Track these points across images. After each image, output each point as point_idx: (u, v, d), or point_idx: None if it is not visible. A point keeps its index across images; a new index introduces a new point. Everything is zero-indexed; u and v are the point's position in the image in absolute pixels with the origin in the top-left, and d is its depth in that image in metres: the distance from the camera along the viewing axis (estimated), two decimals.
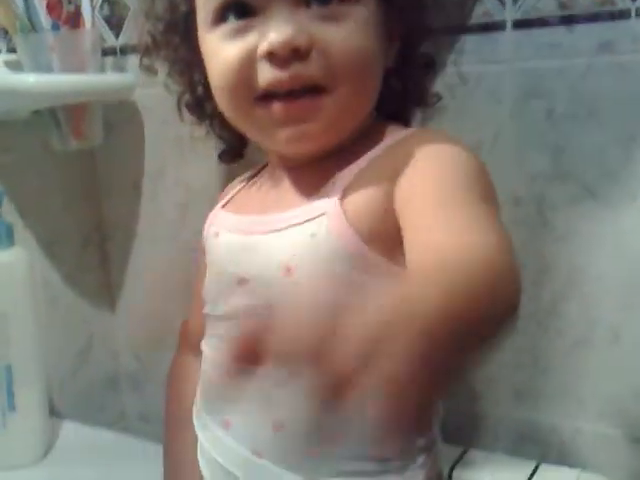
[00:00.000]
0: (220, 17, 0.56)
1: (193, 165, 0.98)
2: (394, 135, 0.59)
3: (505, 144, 0.87)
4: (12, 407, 0.78)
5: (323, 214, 0.55)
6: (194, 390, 0.65)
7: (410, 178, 0.52)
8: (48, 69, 0.88)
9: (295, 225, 0.56)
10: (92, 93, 0.91)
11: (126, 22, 0.99)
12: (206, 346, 0.63)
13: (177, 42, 0.62)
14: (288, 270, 0.54)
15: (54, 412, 0.95)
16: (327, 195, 0.56)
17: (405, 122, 0.66)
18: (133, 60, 0.99)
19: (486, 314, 0.39)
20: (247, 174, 0.71)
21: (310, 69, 0.53)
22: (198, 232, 0.99)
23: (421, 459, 0.59)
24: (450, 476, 0.86)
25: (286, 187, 0.62)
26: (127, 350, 1.10)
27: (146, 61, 0.67)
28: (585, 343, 0.85)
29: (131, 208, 1.04)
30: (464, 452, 0.89)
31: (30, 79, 0.84)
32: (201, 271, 0.70)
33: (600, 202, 0.83)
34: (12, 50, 0.93)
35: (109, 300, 1.09)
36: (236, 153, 0.70)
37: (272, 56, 0.53)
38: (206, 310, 0.64)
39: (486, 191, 0.51)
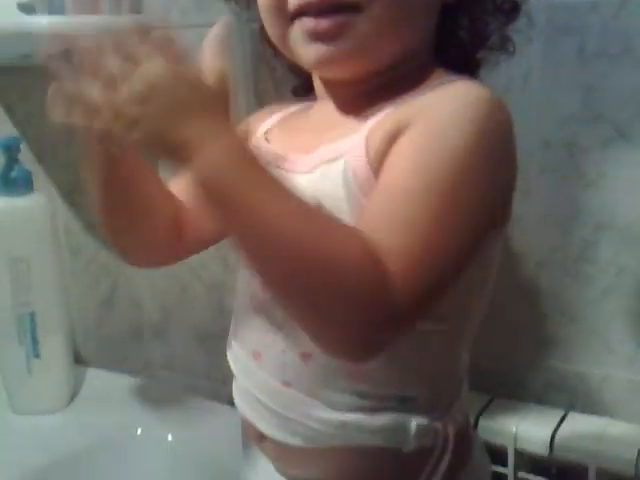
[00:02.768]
0: None
1: None
2: (435, 80, 0.56)
3: (535, 85, 0.84)
4: (37, 354, 0.78)
5: (349, 152, 0.54)
6: None
7: (399, 144, 0.51)
8: (61, 11, 0.86)
9: (327, 162, 0.56)
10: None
11: None
12: (239, 278, 0.64)
13: None
14: (320, 206, 0.54)
15: (79, 361, 0.95)
16: (357, 132, 0.55)
17: (470, 72, 0.61)
18: (148, 0, 0.97)
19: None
20: (287, 107, 0.68)
21: None
22: None
23: (446, 400, 0.59)
24: (476, 424, 0.86)
25: (327, 122, 0.60)
26: (150, 300, 1.10)
27: None
28: (614, 290, 0.84)
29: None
30: (490, 400, 0.88)
31: (43, 21, 0.82)
32: None
33: (633, 144, 0.80)
34: None
35: None
36: (308, 86, 0.68)
37: None
38: None
39: (463, 184, 0.49)
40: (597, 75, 0.80)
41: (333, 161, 0.55)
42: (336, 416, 0.56)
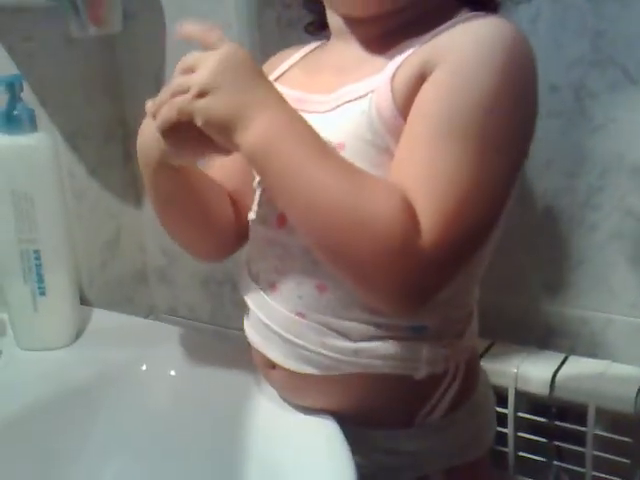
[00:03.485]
0: None
1: None
2: (458, 17, 0.54)
3: (543, 27, 0.83)
4: (42, 292, 0.79)
5: (373, 91, 0.54)
6: None
7: (427, 88, 0.51)
8: None
9: (349, 101, 0.55)
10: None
11: None
12: (254, 213, 0.64)
13: None
14: (341, 146, 0.55)
15: (84, 304, 0.95)
16: (382, 70, 0.54)
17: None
18: None
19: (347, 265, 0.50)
20: (299, 49, 0.68)
21: None
22: None
23: (457, 329, 0.60)
24: None
25: (349, 61, 0.59)
26: (154, 244, 1.10)
27: None
28: (618, 235, 0.84)
29: None
30: (492, 344, 0.89)
31: None
32: None
33: None
34: None
35: (135, 195, 1.08)
36: (321, 24, 0.67)
37: None
38: (256, 180, 0.63)
39: (491, 126, 0.49)
40: (606, 18, 0.79)
41: (357, 100, 0.55)
42: (349, 344, 0.57)
